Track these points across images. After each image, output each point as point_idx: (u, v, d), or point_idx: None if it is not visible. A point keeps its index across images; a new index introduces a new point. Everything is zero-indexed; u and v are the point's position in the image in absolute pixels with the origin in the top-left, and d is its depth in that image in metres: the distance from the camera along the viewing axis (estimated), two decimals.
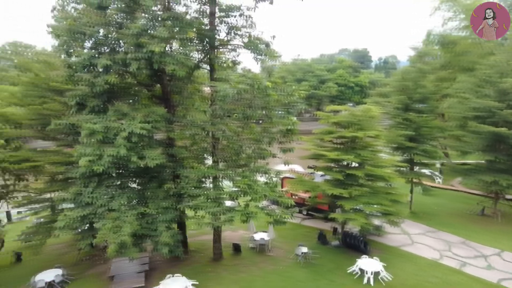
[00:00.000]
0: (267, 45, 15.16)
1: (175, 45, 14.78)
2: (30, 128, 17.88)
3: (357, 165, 18.42)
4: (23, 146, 18.98)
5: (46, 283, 15.19)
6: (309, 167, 27.40)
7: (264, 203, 16.15)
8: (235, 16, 15.17)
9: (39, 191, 17.85)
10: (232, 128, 15.50)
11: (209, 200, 13.96)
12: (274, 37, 15.24)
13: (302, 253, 17.26)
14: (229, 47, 16.02)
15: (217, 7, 15.08)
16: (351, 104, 73.44)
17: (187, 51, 13.90)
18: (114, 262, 16.45)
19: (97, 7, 13.27)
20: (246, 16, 15.10)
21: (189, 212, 15.35)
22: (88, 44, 13.97)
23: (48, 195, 17.98)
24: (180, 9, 14.57)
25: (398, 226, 18.77)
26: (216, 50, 15.82)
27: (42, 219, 17.69)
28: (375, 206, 17.38)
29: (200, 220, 13.88)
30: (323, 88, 78.84)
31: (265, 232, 19.00)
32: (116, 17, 13.85)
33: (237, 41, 15.81)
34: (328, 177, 19.34)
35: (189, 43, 14.36)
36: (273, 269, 16.61)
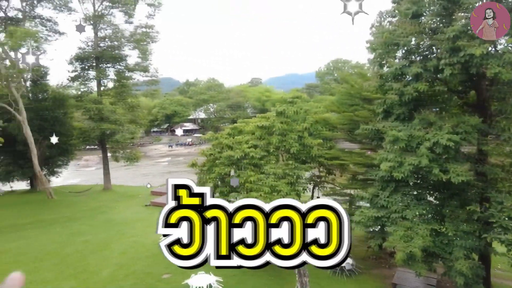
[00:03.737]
0: None
1: (502, 41, 12.29)
2: (341, 131, 21.13)
3: None
4: (334, 146, 22.68)
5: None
6: None
7: None
8: None
9: (342, 185, 20.72)
10: None
11: None
12: None
13: None
14: None
15: None
16: None
17: None
18: (399, 271, 16.38)
19: (411, 17, 13.38)
20: None
21: (498, 247, 12.49)
22: (399, 54, 14.46)
23: (348, 191, 20.54)
24: None
25: None
26: None
27: None
28: None
29: None
30: None
31: None
32: (430, 23, 13.43)
33: None
34: None
35: None
36: None
